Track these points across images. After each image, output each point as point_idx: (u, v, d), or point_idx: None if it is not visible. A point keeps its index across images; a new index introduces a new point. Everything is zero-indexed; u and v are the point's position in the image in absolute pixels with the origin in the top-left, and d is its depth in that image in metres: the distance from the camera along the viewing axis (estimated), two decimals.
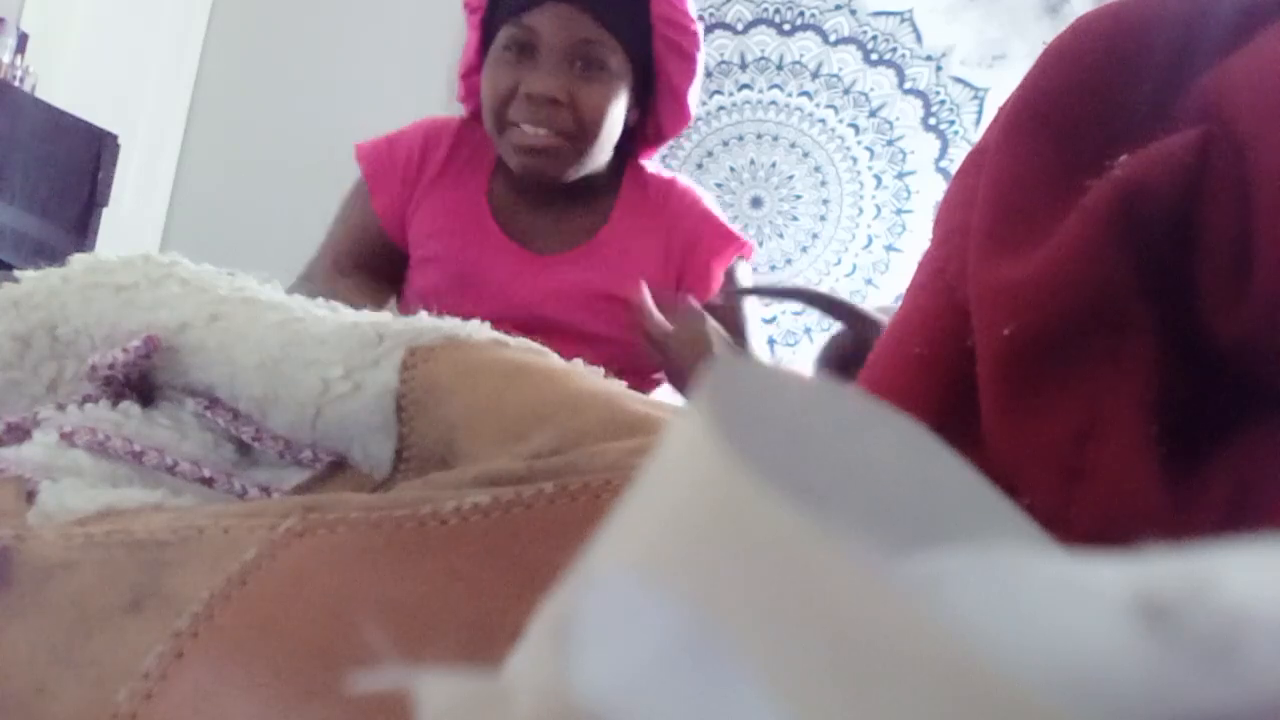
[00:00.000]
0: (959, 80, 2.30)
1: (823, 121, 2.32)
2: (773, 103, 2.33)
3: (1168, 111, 0.27)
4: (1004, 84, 2.26)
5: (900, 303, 0.33)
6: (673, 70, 1.09)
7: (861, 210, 2.32)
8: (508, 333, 1.09)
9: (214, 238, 2.23)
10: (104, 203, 2.01)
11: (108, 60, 2.32)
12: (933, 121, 2.30)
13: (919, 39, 2.30)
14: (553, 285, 1.10)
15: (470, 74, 1.14)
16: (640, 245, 1.13)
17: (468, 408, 0.34)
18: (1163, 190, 0.25)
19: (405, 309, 1.15)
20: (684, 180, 1.18)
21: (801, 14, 2.32)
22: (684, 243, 1.14)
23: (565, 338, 1.05)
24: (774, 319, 2.34)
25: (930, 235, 0.33)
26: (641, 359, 1.07)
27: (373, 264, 1.15)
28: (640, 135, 1.16)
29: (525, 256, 1.11)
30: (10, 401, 0.40)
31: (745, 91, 2.33)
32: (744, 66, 2.33)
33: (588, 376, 0.36)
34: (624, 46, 1.04)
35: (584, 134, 1.05)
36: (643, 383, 1.12)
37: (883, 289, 2.31)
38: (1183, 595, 0.09)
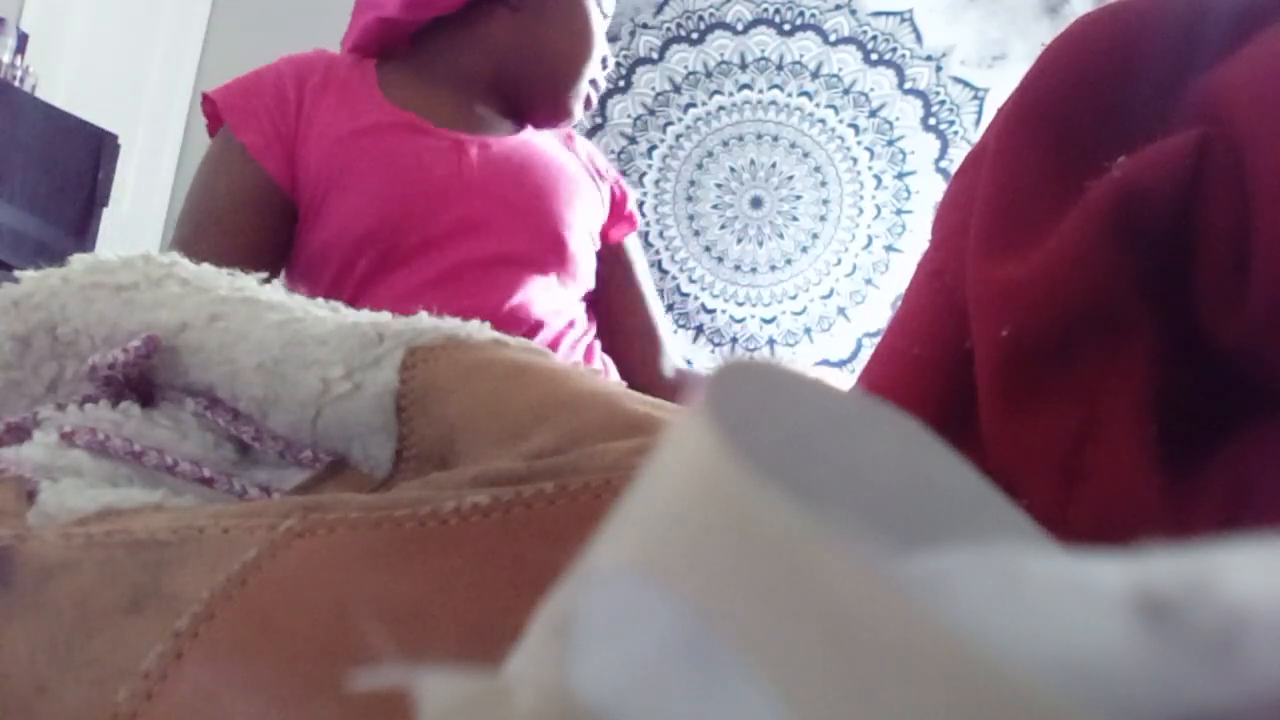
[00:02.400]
0: (959, 80, 2.30)
1: (823, 121, 2.32)
2: (773, 103, 2.33)
3: (1167, 112, 0.27)
4: (1004, 84, 2.26)
5: (899, 303, 0.34)
6: None
7: (861, 210, 2.32)
8: (470, 244, 1.05)
9: None
10: (104, 203, 2.01)
11: (108, 60, 2.32)
12: (933, 122, 2.30)
13: (919, 39, 2.30)
14: (495, 166, 1.03)
15: (423, 6, 1.06)
16: (565, 157, 1.12)
17: (468, 408, 0.34)
18: (1161, 191, 0.25)
19: (303, 268, 1.03)
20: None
21: (801, 14, 2.32)
22: (615, 184, 1.18)
23: (524, 235, 1.02)
24: (774, 319, 2.34)
25: (929, 236, 0.33)
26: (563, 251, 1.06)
27: (246, 240, 0.98)
28: None
29: (455, 136, 1.03)
30: (10, 401, 0.40)
31: (745, 91, 2.33)
32: (744, 66, 2.33)
33: (588, 376, 0.36)
34: None
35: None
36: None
37: (883, 289, 2.31)
38: (1183, 592, 0.09)
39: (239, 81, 1.03)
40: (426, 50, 1.09)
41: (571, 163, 1.12)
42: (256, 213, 0.99)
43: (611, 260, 1.16)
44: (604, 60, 1.13)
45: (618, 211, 1.17)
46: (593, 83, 1.12)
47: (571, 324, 1.07)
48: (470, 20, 1.07)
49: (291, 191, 1.00)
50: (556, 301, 1.05)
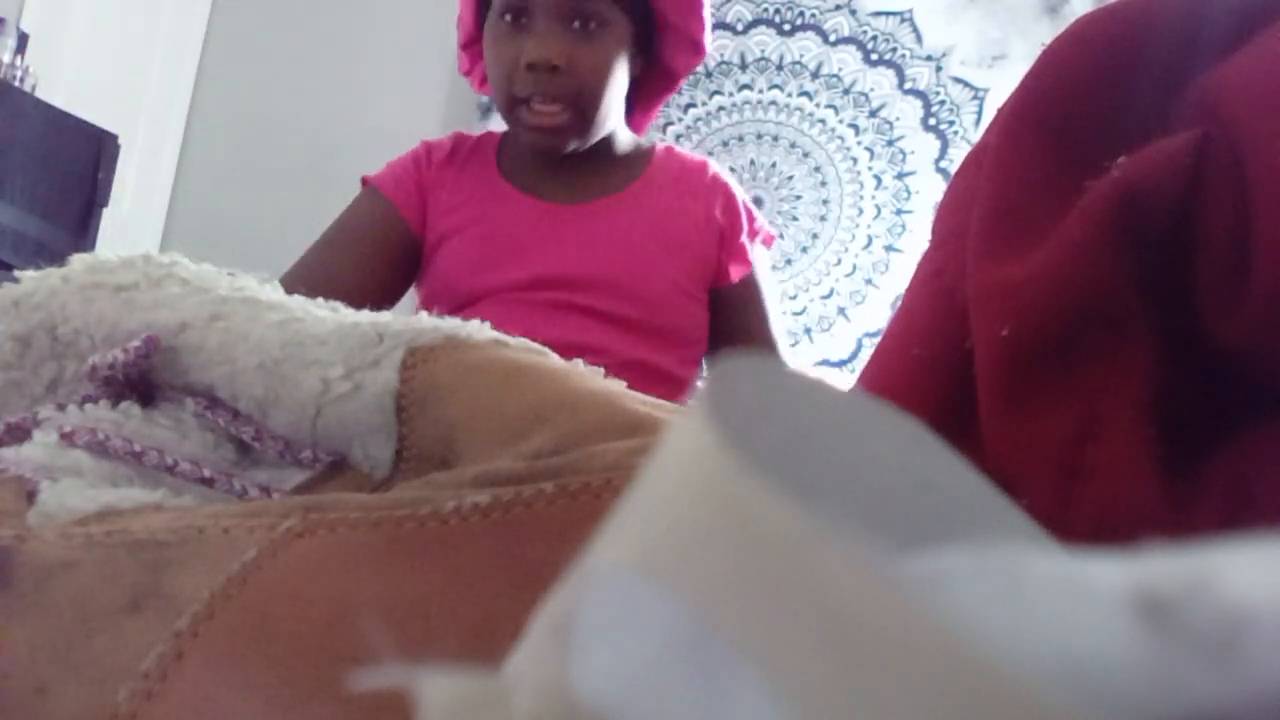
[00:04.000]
0: (959, 80, 2.30)
1: (823, 121, 2.32)
2: (773, 103, 2.33)
3: (1167, 112, 0.27)
4: (1004, 84, 2.26)
5: (899, 303, 0.34)
6: (669, 7, 1.07)
7: (861, 210, 2.32)
8: (543, 295, 1.10)
9: (214, 238, 2.23)
10: (104, 203, 2.01)
11: (108, 60, 2.32)
12: (933, 122, 2.30)
13: (919, 39, 2.30)
14: (585, 231, 1.08)
15: (470, 43, 1.14)
16: (677, 207, 1.11)
17: (468, 408, 0.34)
18: (1161, 191, 0.25)
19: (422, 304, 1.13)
20: (714, 162, 1.19)
21: (801, 14, 2.32)
22: (725, 217, 1.13)
23: (601, 292, 1.05)
24: None
25: (929, 236, 0.33)
26: (678, 319, 1.07)
27: (373, 269, 1.08)
28: (649, 82, 1.15)
29: (549, 207, 1.10)
30: (10, 401, 0.40)
31: (745, 91, 2.33)
32: (744, 66, 2.33)
33: (588, 376, 0.36)
34: None
35: (588, 100, 1.04)
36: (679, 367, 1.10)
37: (883, 289, 2.31)
38: (1183, 592, 0.09)
39: (386, 165, 1.16)
40: None
41: (678, 218, 1.10)
42: (385, 244, 1.09)
43: (723, 303, 1.12)
44: (528, 65, 1.01)
45: (728, 249, 1.12)
46: (526, 102, 1.04)
47: (648, 380, 1.05)
48: None
49: (419, 237, 1.11)
50: (638, 358, 1.05)
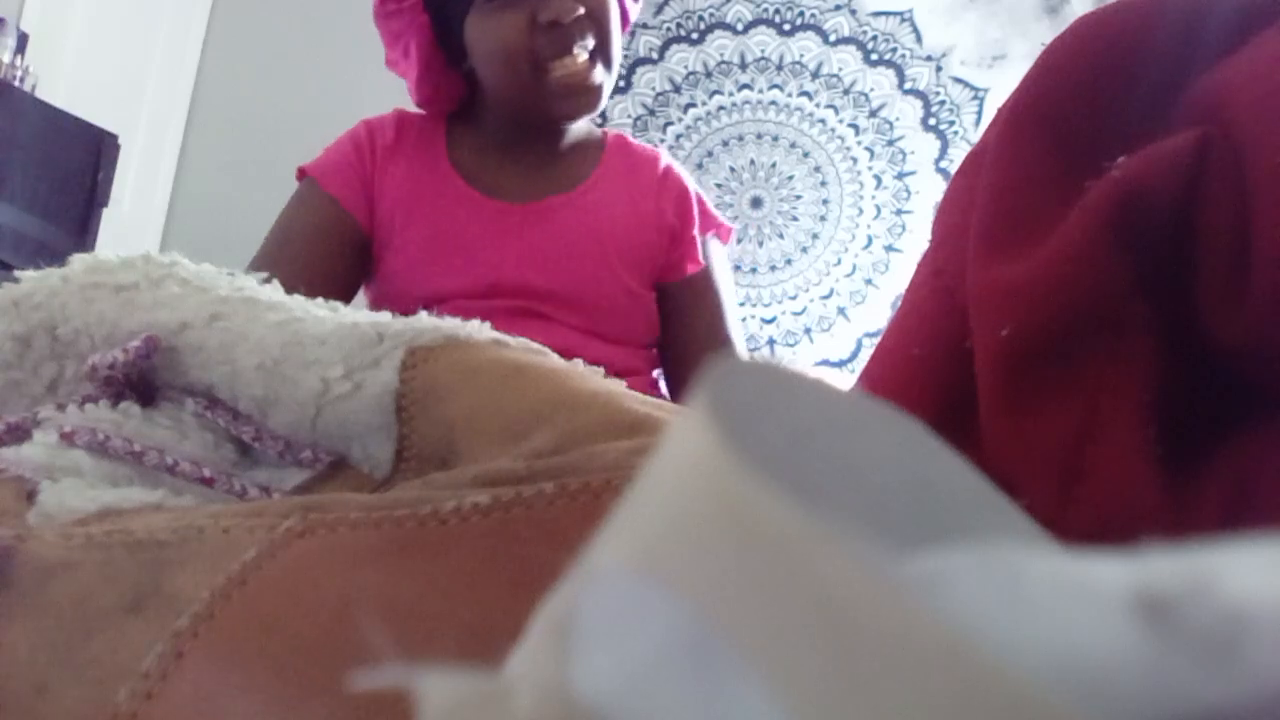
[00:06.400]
0: (959, 80, 2.30)
1: (823, 121, 2.32)
2: (773, 103, 2.33)
3: (1167, 112, 0.27)
4: (1004, 84, 2.26)
5: (900, 303, 0.34)
6: None
7: (861, 210, 2.32)
8: (496, 302, 1.04)
9: (214, 238, 2.23)
10: (104, 203, 2.01)
11: (108, 60, 2.32)
12: (933, 122, 2.30)
13: (919, 39, 2.31)
14: (532, 235, 1.05)
15: (423, 80, 1.08)
16: (628, 202, 1.09)
17: (468, 408, 0.34)
18: (1161, 191, 0.25)
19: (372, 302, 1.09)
20: (666, 154, 1.17)
21: (801, 14, 2.32)
22: (677, 214, 1.11)
23: (549, 302, 1.03)
24: (774, 319, 2.34)
25: (929, 236, 0.33)
26: (629, 319, 1.06)
27: (325, 273, 1.03)
28: None
29: (498, 207, 1.06)
30: (10, 401, 0.40)
31: (745, 91, 2.33)
32: (744, 66, 2.34)
33: (588, 376, 0.36)
34: None
35: (608, 46, 1.02)
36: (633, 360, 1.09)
37: (883, 289, 2.31)
38: (1183, 592, 0.09)
39: (323, 151, 1.12)
40: (477, 113, 1.11)
41: (629, 218, 1.09)
42: (334, 246, 1.05)
43: (674, 297, 1.12)
44: (552, 23, 0.97)
45: (680, 247, 1.11)
46: (548, 65, 0.99)
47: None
48: (474, 86, 1.09)
49: (369, 233, 1.07)
50: (598, 359, 1.05)
